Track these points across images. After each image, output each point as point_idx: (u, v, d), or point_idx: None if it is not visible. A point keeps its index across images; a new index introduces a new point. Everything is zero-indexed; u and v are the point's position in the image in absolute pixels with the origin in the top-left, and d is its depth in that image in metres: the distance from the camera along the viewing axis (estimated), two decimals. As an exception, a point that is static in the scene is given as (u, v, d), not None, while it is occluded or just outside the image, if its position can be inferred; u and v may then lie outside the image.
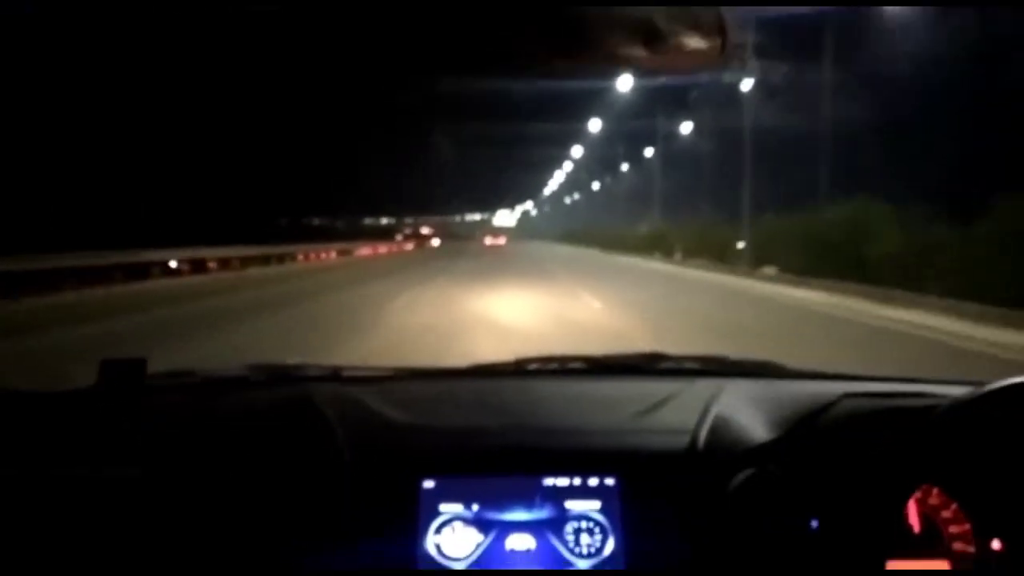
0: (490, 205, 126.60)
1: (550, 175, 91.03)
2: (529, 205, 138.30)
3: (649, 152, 43.35)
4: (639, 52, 0.87)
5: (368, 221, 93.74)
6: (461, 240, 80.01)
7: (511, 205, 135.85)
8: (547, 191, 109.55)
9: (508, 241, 60.94)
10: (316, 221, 67.15)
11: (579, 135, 53.95)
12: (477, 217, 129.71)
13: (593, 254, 37.71)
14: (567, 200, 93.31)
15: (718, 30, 0.87)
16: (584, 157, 57.51)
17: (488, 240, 54.45)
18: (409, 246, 54.74)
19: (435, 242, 67.73)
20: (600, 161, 56.05)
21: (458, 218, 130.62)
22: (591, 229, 56.65)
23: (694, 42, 0.86)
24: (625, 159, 50.73)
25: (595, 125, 42.66)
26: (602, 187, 66.72)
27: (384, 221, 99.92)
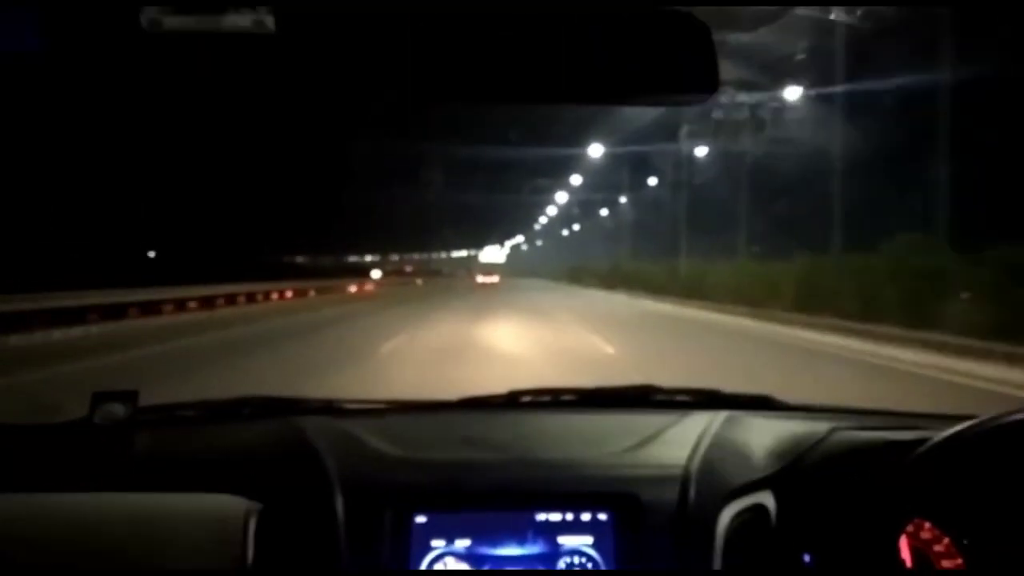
0: (478, 240, 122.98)
1: (542, 208, 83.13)
2: (519, 239, 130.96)
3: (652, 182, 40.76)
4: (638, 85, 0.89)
5: (352, 259, 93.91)
6: (444, 278, 77.18)
7: (500, 240, 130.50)
8: (539, 225, 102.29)
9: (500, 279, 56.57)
10: (300, 259, 67.33)
11: (576, 163, 50.13)
12: (464, 253, 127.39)
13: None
14: (564, 232, 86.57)
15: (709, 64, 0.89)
16: (583, 185, 52.16)
17: (480, 278, 51.95)
18: (369, 286, 45.11)
19: (417, 281, 62.59)
20: (599, 189, 52.11)
21: (443, 254, 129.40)
22: (596, 264, 51.56)
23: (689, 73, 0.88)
24: (629, 189, 46.78)
25: (595, 150, 39.00)
26: (601, 219, 62.14)
27: (368, 258, 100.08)
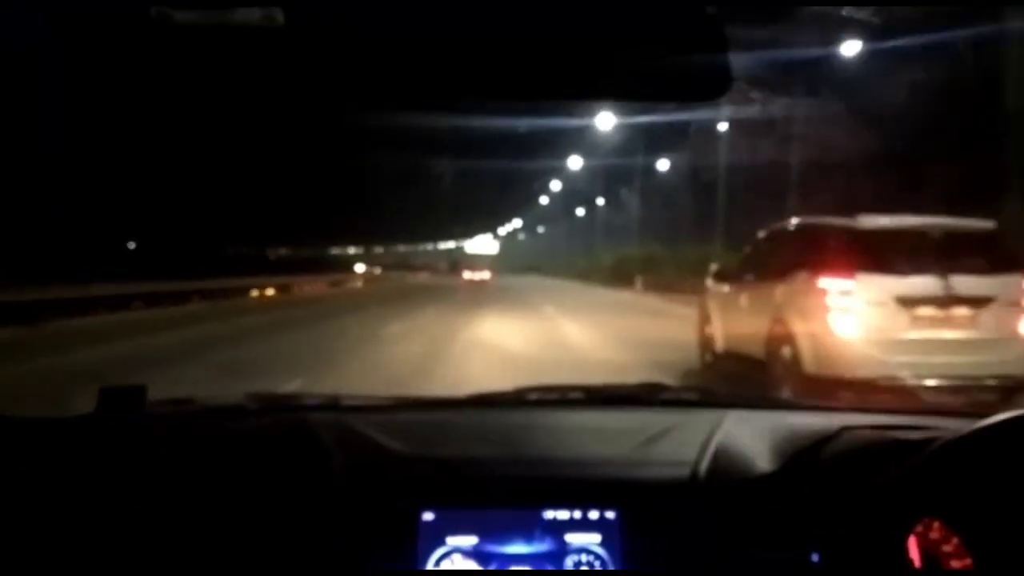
0: (470, 230, 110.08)
1: (545, 184, 69.70)
2: (516, 224, 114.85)
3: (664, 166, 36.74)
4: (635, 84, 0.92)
5: (335, 251, 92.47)
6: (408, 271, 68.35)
7: (492, 228, 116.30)
8: (543, 204, 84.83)
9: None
10: (282, 251, 66.75)
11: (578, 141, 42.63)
12: (451, 245, 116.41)
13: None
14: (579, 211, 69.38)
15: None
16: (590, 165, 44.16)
17: (467, 274, 47.01)
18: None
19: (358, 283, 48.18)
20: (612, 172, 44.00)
21: (430, 246, 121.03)
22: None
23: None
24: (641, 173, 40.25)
25: (606, 120, 32.10)
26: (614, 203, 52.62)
27: (352, 251, 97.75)
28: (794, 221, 7.28)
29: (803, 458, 1.26)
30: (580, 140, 42.89)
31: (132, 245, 38.88)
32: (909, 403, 5.38)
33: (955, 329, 5.57)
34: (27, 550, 1.13)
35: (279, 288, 30.99)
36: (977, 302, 5.57)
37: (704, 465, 1.28)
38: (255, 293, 28.29)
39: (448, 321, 15.38)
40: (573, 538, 1.20)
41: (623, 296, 26.54)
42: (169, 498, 1.19)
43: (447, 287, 34.94)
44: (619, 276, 34.85)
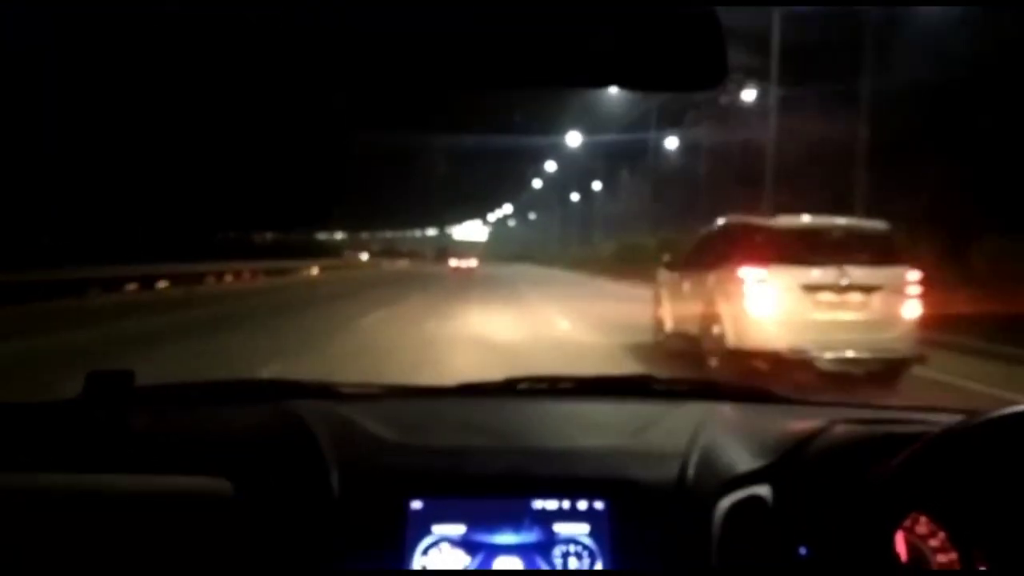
0: (458, 216, 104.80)
1: (537, 168, 64.72)
2: (507, 210, 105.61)
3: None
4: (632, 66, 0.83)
5: (322, 236, 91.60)
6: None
7: (482, 214, 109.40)
8: (535, 188, 78.24)
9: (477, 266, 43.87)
10: (269, 236, 65.42)
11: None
12: (439, 231, 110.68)
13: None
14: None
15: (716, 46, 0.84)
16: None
17: (453, 262, 44.92)
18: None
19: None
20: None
21: (417, 233, 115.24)
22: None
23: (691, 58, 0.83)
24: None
25: (604, 100, 30.47)
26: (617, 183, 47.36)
27: (339, 236, 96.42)
28: (723, 220, 8.50)
29: (792, 451, 1.26)
30: (575, 122, 41.62)
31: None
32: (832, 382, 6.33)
33: (850, 311, 6.76)
34: (12, 538, 1.13)
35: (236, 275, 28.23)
36: (868, 289, 6.77)
37: (694, 457, 1.29)
38: (229, 278, 26.75)
39: (420, 313, 14.21)
40: (562, 528, 1.21)
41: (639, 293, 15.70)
42: (156, 485, 1.19)
43: (429, 276, 33.15)
44: (621, 267, 30.37)
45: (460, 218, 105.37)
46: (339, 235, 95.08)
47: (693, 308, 7.91)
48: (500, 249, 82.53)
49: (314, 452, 1.26)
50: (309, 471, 1.23)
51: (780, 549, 1.11)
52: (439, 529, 1.19)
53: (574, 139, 45.41)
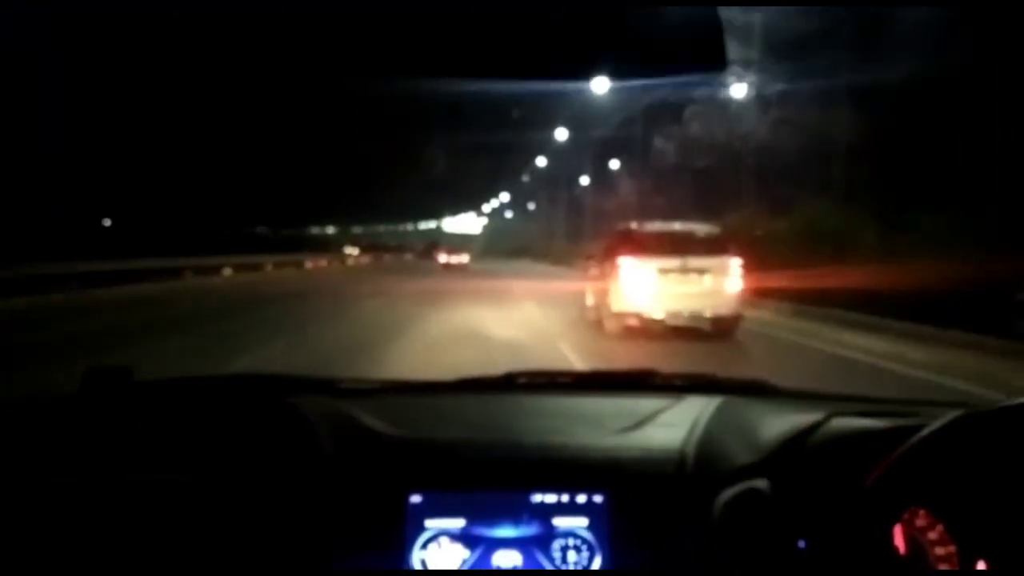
0: (452, 207, 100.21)
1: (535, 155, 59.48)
2: (504, 199, 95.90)
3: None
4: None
5: (315, 231, 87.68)
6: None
7: (476, 205, 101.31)
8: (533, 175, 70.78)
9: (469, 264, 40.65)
10: (260, 230, 63.04)
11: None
12: (433, 224, 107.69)
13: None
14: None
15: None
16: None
17: (443, 257, 43.04)
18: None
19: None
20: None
21: (410, 226, 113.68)
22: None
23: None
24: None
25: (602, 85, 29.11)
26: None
27: (331, 230, 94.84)
28: (617, 226, 12.20)
29: (790, 445, 1.28)
30: (572, 108, 39.49)
31: (107, 223, 39.21)
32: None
33: (689, 286, 10.19)
34: (17, 530, 1.16)
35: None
36: (702, 271, 10.20)
37: (692, 451, 1.32)
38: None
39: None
40: (561, 521, 1.23)
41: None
42: (156, 480, 1.21)
43: (417, 271, 32.49)
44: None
45: (455, 210, 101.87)
46: (331, 229, 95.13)
47: (596, 287, 11.39)
48: (496, 242, 75.59)
49: (313, 447, 1.29)
50: (308, 466, 1.26)
51: (779, 542, 1.12)
52: (438, 523, 1.23)
53: (561, 135, 46.29)
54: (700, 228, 11.21)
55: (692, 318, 10.09)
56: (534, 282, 23.72)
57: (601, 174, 45.20)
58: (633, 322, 10.14)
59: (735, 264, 10.33)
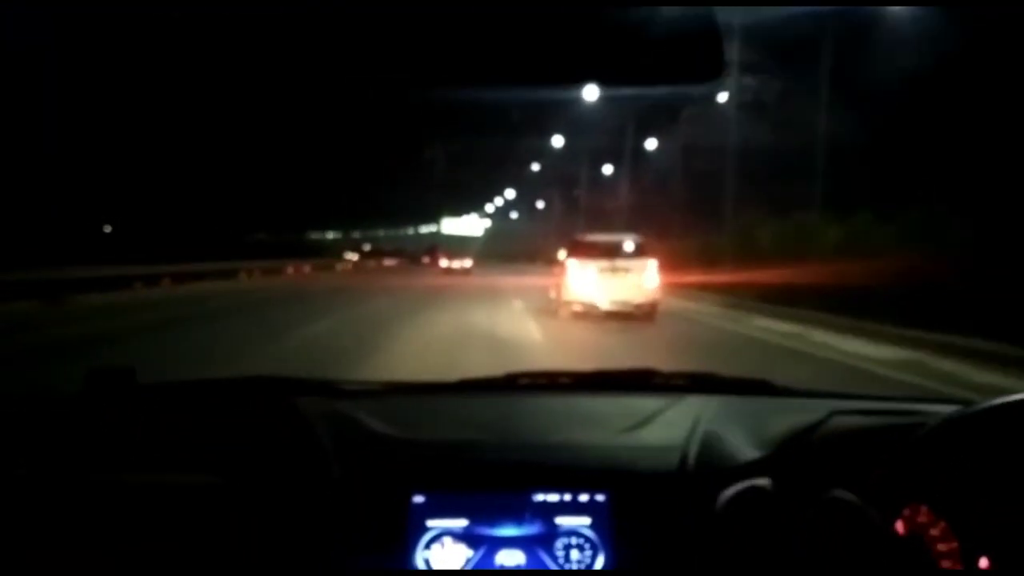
0: (454, 209, 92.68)
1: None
2: (510, 196, 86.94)
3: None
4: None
5: (314, 235, 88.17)
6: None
7: (479, 205, 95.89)
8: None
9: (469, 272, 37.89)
10: (260, 235, 63.75)
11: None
12: (433, 228, 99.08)
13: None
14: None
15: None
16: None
17: (444, 262, 41.60)
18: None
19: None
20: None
21: (411, 230, 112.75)
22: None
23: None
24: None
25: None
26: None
27: (331, 235, 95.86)
28: (571, 236, 16.16)
29: (791, 443, 1.30)
30: (571, 111, 38.91)
31: (108, 229, 40.14)
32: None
33: (618, 282, 13.93)
34: (19, 531, 1.17)
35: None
36: (628, 270, 13.95)
37: (693, 450, 1.34)
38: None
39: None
40: (563, 521, 1.26)
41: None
42: (157, 481, 1.23)
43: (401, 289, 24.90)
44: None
45: (456, 211, 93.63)
46: (331, 235, 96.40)
47: (555, 283, 15.27)
48: (499, 246, 69.59)
49: (315, 448, 1.31)
50: (311, 467, 1.28)
51: (781, 540, 1.13)
52: (441, 523, 1.25)
53: (557, 141, 47.01)
54: (628, 237, 15.09)
55: (621, 305, 13.86)
56: (521, 278, 27.05)
57: (597, 177, 45.31)
58: (578, 308, 13.91)
59: (652, 265, 14.11)
